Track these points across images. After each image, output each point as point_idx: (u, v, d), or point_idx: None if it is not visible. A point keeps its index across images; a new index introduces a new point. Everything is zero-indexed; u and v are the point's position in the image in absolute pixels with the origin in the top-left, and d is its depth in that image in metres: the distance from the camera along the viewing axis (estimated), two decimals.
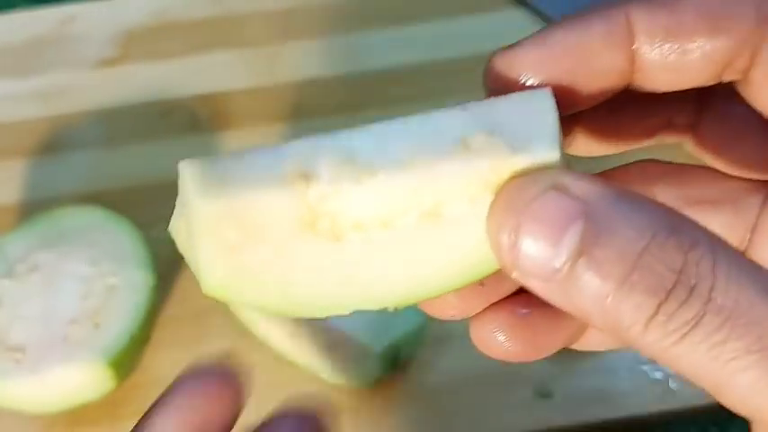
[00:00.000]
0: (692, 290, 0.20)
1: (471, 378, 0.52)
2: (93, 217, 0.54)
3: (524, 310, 0.26)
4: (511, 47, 0.25)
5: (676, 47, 0.24)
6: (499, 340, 0.26)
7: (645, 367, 0.52)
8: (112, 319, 0.50)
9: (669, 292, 0.20)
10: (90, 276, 0.52)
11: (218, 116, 0.63)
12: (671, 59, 0.24)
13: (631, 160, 0.29)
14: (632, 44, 0.24)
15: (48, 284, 0.52)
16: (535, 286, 0.22)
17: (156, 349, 0.54)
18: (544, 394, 0.52)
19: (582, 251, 0.21)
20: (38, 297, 0.52)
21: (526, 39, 0.25)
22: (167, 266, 0.56)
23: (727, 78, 0.25)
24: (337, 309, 0.24)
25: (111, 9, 0.68)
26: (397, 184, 0.23)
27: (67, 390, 0.50)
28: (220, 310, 0.54)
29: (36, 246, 0.53)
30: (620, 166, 0.28)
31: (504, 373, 0.53)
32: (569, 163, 0.24)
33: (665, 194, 0.27)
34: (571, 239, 0.21)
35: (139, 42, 0.67)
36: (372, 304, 0.24)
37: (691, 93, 0.26)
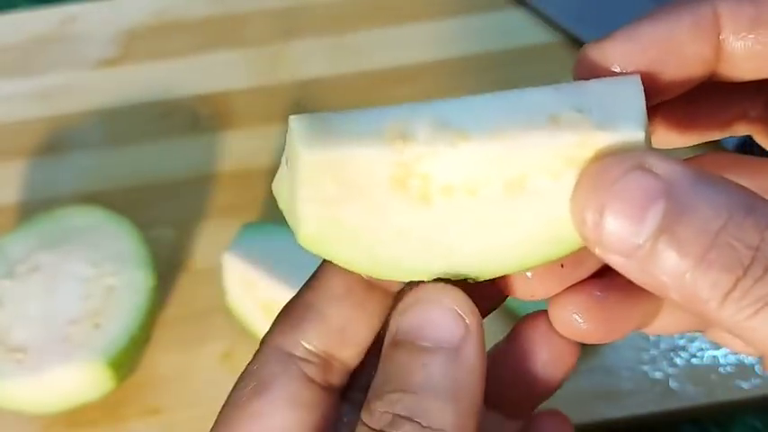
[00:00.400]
0: (767, 267, 0.21)
1: None
2: (93, 217, 0.54)
3: (600, 293, 0.27)
4: (602, 39, 0.27)
5: (762, 37, 0.25)
6: (577, 321, 0.27)
7: (645, 367, 0.52)
8: (112, 319, 0.50)
9: (746, 269, 0.21)
10: (90, 277, 0.52)
11: (219, 116, 0.63)
12: (756, 50, 0.25)
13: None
14: (719, 35, 0.25)
15: (48, 285, 0.52)
16: (617, 262, 0.23)
17: (156, 349, 0.54)
18: None
19: (663, 229, 0.22)
20: (38, 297, 0.52)
21: (617, 31, 0.26)
22: (167, 267, 0.56)
23: None
24: (419, 273, 0.26)
25: (112, 9, 0.68)
26: (486, 151, 0.24)
27: (68, 390, 0.50)
28: (220, 310, 0.54)
29: (36, 246, 0.53)
30: (693, 156, 0.29)
31: None
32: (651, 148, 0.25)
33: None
34: (653, 218, 0.22)
35: (140, 42, 0.67)
36: (453, 271, 0.26)
37: (765, 85, 0.27)
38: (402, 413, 0.24)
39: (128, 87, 0.65)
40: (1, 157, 0.62)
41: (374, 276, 0.26)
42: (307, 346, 0.27)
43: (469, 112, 0.25)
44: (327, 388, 0.27)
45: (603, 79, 0.25)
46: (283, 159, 0.26)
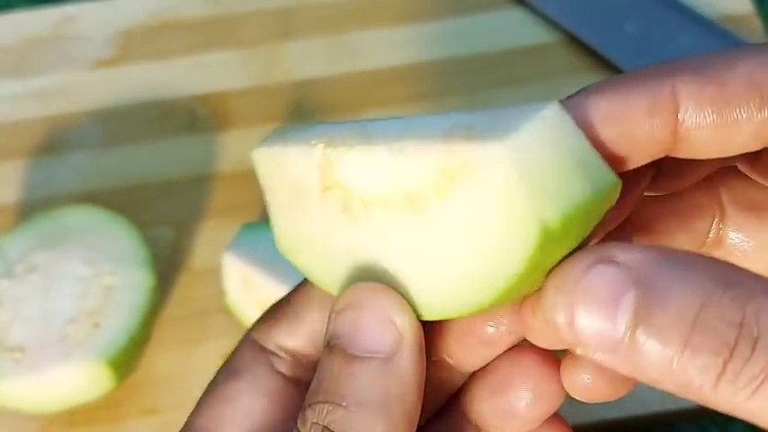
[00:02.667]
0: (755, 343, 0.20)
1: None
2: (92, 217, 0.54)
3: None
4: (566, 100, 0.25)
5: (723, 119, 0.24)
6: (586, 381, 0.26)
7: None
8: (112, 319, 0.50)
9: (733, 349, 0.20)
10: (89, 276, 0.52)
11: (217, 116, 0.63)
12: (717, 132, 0.24)
13: None
14: (677, 115, 0.24)
15: (47, 284, 0.52)
16: (603, 360, 0.22)
17: (155, 349, 0.54)
18: None
19: (639, 320, 0.21)
20: (37, 297, 0.51)
21: (568, 101, 0.24)
22: (167, 267, 0.56)
23: None
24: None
25: (109, 9, 0.68)
26: (384, 157, 0.24)
27: (67, 389, 0.50)
28: (220, 311, 0.54)
29: (35, 246, 0.53)
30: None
31: None
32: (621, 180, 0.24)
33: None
34: (626, 310, 0.21)
35: (138, 42, 0.67)
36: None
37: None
38: (331, 427, 0.24)
39: (126, 87, 0.65)
40: None
41: (330, 292, 0.26)
42: (278, 343, 0.28)
43: (385, 126, 0.25)
44: (295, 380, 0.28)
45: (522, 106, 0.23)
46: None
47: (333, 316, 0.25)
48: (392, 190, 0.24)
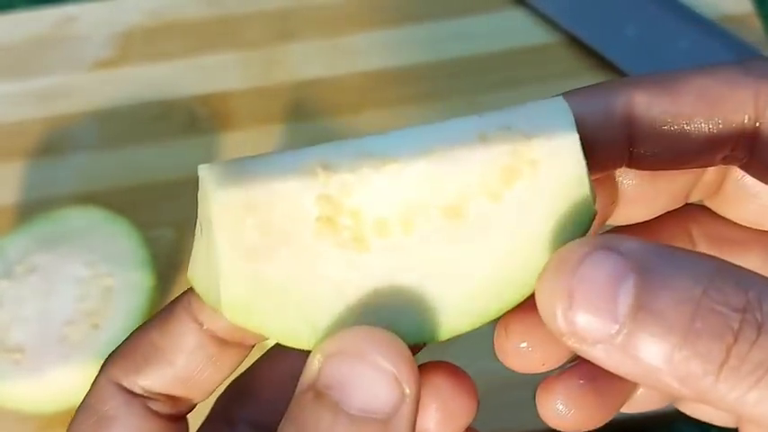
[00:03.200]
0: (760, 327, 0.19)
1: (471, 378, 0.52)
2: (91, 218, 0.54)
3: (583, 381, 0.26)
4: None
5: (675, 126, 0.24)
6: (560, 411, 0.26)
7: None
8: (111, 319, 0.50)
9: (737, 333, 0.19)
10: (88, 277, 0.52)
11: (217, 117, 0.63)
12: (671, 139, 0.24)
13: None
14: (630, 122, 0.24)
15: (47, 285, 0.52)
16: (598, 354, 0.21)
17: None
18: None
19: (640, 306, 0.20)
20: (36, 298, 0.51)
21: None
22: (166, 267, 0.56)
23: (727, 163, 0.25)
24: None
25: (109, 10, 0.68)
26: (417, 172, 0.23)
27: (66, 390, 0.50)
28: None
29: (35, 247, 0.53)
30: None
31: (504, 374, 0.52)
32: (594, 193, 0.24)
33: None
34: (626, 295, 0.20)
35: (138, 43, 0.67)
36: (401, 335, 0.23)
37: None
38: None
39: (125, 88, 0.65)
40: None
41: (299, 347, 0.23)
42: (146, 388, 0.26)
43: (393, 141, 0.23)
44: (177, 417, 0.26)
45: (527, 103, 0.24)
46: (197, 231, 0.24)
47: (320, 359, 0.22)
48: (424, 205, 0.23)
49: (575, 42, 0.64)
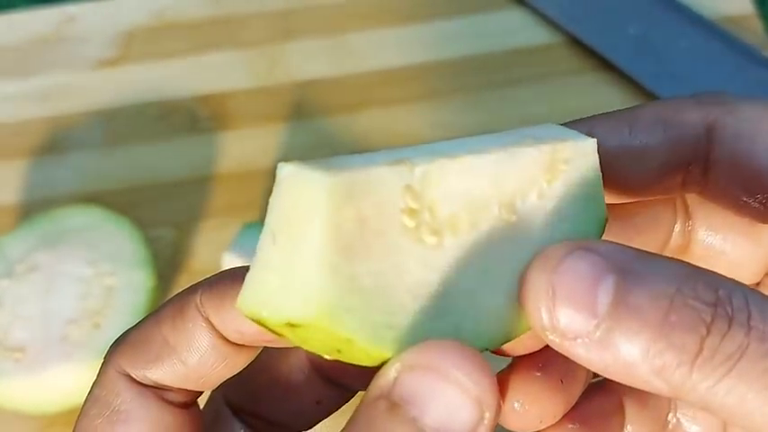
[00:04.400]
0: (731, 320, 0.21)
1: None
2: (92, 217, 0.54)
3: (539, 374, 0.27)
4: None
5: (635, 144, 0.27)
6: (516, 408, 0.26)
7: None
8: (112, 319, 0.50)
9: (710, 326, 0.21)
10: (89, 277, 0.52)
11: (217, 116, 0.63)
12: (633, 157, 0.27)
13: None
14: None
15: (47, 285, 0.52)
16: (576, 350, 0.21)
17: None
18: None
19: (618, 301, 0.21)
20: (37, 297, 0.52)
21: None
22: (167, 267, 0.56)
23: (687, 190, 0.28)
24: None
25: (111, 9, 0.68)
26: (482, 168, 0.23)
27: (66, 390, 0.50)
28: None
29: (36, 246, 0.53)
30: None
31: None
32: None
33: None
34: (606, 292, 0.21)
35: (139, 43, 0.67)
36: (467, 339, 0.22)
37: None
38: None
39: (127, 88, 0.65)
40: (0, 157, 0.62)
41: (382, 355, 0.22)
42: (159, 382, 0.25)
43: (450, 146, 0.24)
44: (189, 403, 0.26)
45: (543, 126, 0.26)
46: (266, 241, 0.22)
47: (398, 368, 0.21)
48: (487, 201, 0.23)
49: (575, 42, 0.64)
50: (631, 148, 0.26)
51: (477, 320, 0.23)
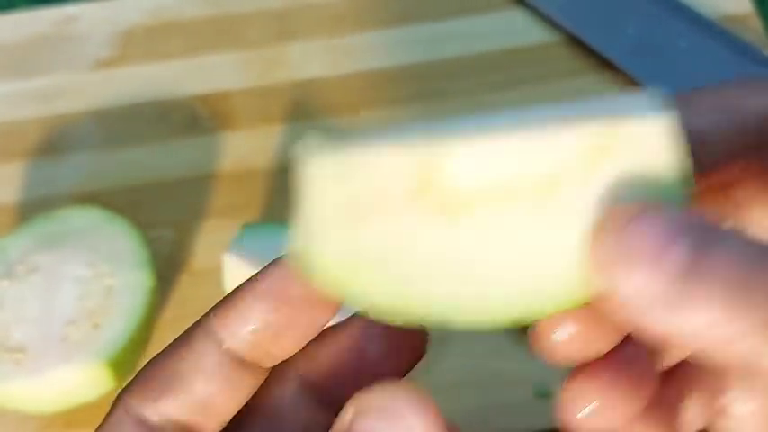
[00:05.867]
0: None
1: (471, 378, 0.52)
2: (92, 218, 0.54)
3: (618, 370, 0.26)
4: None
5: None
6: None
7: None
8: (112, 319, 0.50)
9: None
10: (89, 277, 0.52)
11: (217, 116, 0.63)
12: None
13: None
14: None
15: (47, 285, 0.52)
16: (644, 316, 0.20)
17: (155, 349, 0.53)
18: (544, 394, 0.52)
19: (695, 262, 0.20)
20: (37, 298, 0.51)
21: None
22: (167, 267, 0.56)
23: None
24: (451, 317, 0.23)
25: (110, 9, 0.68)
26: (509, 145, 0.22)
27: (66, 390, 0.50)
28: None
29: (35, 247, 0.53)
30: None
31: (504, 373, 0.53)
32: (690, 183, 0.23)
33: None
34: (682, 251, 0.20)
35: (139, 42, 0.67)
36: (487, 314, 0.22)
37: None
38: None
39: (126, 88, 0.65)
40: (0, 157, 0.62)
41: (407, 323, 0.23)
42: (166, 416, 0.25)
43: (484, 120, 0.23)
44: None
45: (610, 97, 0.24)
46: (296, 214, 0.23)
47: (353, 412, 0.22)
48: (518, 178, 0.22)
49: (575, 42, 0.64)
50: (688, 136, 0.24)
51: (500, 299, 0.22)
